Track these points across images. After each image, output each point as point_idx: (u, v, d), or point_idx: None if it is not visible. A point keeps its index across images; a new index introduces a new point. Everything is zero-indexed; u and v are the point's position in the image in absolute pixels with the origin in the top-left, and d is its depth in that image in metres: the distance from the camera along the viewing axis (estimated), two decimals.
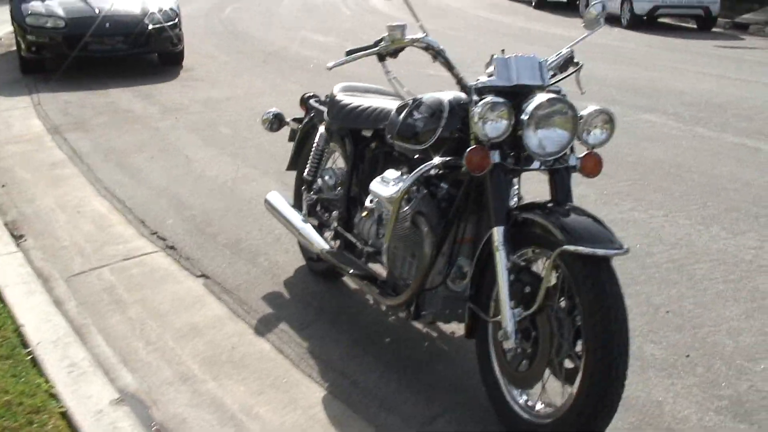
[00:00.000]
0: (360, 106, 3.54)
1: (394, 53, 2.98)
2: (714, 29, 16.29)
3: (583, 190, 5.36)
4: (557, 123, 2.67)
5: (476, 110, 2.61)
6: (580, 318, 2.45)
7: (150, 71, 10.11)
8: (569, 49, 3.14)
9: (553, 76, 3.05)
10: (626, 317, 2.44)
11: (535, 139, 2.65)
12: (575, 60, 3.13)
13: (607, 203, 5.16)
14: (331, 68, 3.08)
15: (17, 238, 4.69)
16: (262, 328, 3.55)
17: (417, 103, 3.10)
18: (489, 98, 2.63)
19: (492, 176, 2.70)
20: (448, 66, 2.92)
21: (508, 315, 2.59)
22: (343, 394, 3.03)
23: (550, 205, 2.71)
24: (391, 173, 3.15)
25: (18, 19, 9.73)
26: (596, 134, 2.77)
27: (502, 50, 2.86)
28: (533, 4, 20.67)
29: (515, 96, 2.71)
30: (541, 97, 2.65)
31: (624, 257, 4.18)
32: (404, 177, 3.04)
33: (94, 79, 9.43)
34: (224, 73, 10.13)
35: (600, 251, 2.41)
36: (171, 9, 10.21)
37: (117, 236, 4.66)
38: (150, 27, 9.74)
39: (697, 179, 5.67)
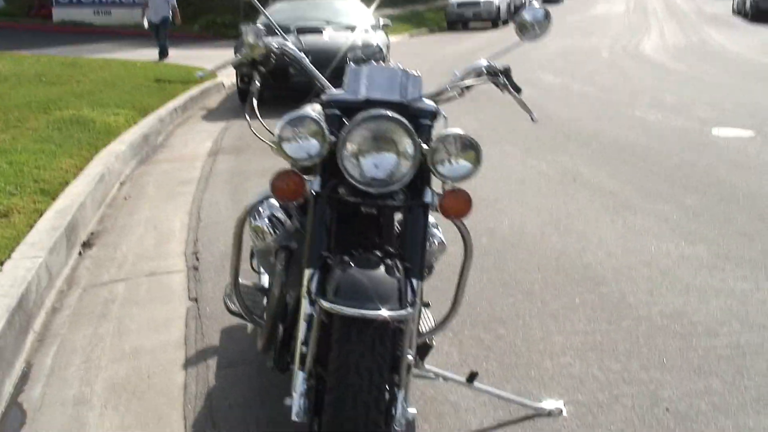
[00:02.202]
0: None
1: (264, 61, 2.60)
2: None
3: (697, 250, 4.42)
4: (384, 146, 2.14)
5: (277, 127, 2.18)
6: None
7: None
8: (485, 61, 2.56)
9: (461, 92, 2.51)
10: (377, 402, 1.83)
11: (352, 163, 2.14)
12: (501, 75, 2.54)
13: (713, 268, 4.17)
14: (200, 78, 2.76)
15: (86, 246, 4.89)
16: (194, 359, 3.28)
17: None
18: (292, 113, 2.18)
19: (314, 208, 2.23)
20: (310, 74, 2.51)
21: (297, 379, 2.09)
22: None
23: (380, 250, 2.17)
24: None
25: (236, 52, 10.46)
26: (451, 165, 2.18)
27: (363, 59, 2.37)
28: None
29: None
30: (362, 114, 2.14)
31: (672, 336, 3.37)
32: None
33: (295, 107, 9.76)
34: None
35: (345, 309, 1.85)
36: (376, 45, 10.34)
37: (163, 253, 4.66)
38: (350, 61, 9.92)
39: None
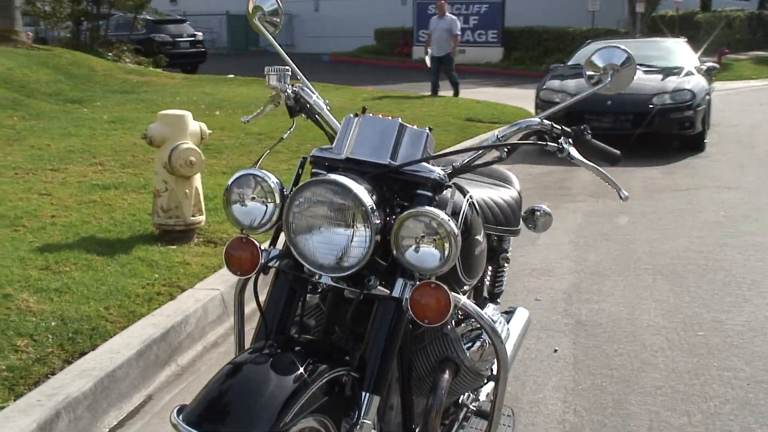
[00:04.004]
0: None
1: (296, 105, 2.25)
2: None
3: None
4: (336, 220, 1.71)
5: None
6: None
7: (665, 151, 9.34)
8: (537, 119, 2.00)
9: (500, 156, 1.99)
10: None
11: (299, 240, 1.75)
12: (563, 138, 1.97)
13: None
14: (246, 122, 2.46)
15: None
16: None
17: None
18: (242, 171, 1.85)
19: (274, 285, 1.87)
20: (328, 124, 2.14)
21: None
22: None
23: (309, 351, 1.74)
24: None
25: (537, 92, 10.11)
26: (416, 252, 1.68)
27: (363, 108, 1.95)
28: None
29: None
30: (312, 179, 1.74)
31: None
32: None
33: None
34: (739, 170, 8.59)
35: (183, 427, 1.46)
36: (688, 90, 9.28)
37: None
38: (655, 108, 9.02)
39: None
